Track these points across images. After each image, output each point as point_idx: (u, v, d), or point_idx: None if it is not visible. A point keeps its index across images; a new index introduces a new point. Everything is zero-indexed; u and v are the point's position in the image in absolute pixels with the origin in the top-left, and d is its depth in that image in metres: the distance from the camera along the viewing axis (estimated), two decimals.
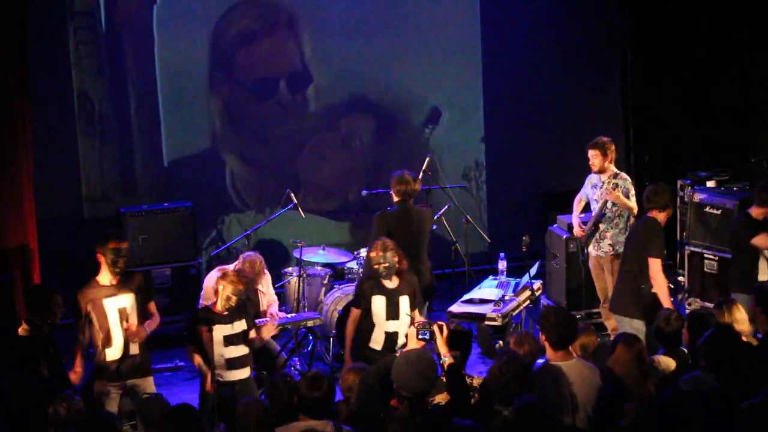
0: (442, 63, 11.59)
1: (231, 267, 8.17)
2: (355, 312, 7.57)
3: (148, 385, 6.95)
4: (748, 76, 11.36)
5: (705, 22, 11.42)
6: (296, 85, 11.11)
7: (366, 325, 7.47)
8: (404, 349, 5.92)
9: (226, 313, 7.01)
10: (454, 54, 11.65)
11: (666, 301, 7.60)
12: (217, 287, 7.13)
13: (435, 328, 5.83)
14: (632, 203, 8.97)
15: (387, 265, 7.35)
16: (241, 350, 7.06)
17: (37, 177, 9.23)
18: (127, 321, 6.84)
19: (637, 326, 7.63)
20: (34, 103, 9.32)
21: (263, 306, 8.28)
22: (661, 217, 7.85)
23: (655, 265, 7.74)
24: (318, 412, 5.39)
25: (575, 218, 9.45)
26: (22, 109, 8.96)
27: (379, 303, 7.41)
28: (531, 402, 5.09)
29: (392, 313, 7.40)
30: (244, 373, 7.08)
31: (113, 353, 6.84)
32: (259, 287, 8.30)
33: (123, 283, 6.88)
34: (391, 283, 7.44)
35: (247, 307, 7.24)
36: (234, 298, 6.99)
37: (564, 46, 11.92)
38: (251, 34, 10.97)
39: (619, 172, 9.14)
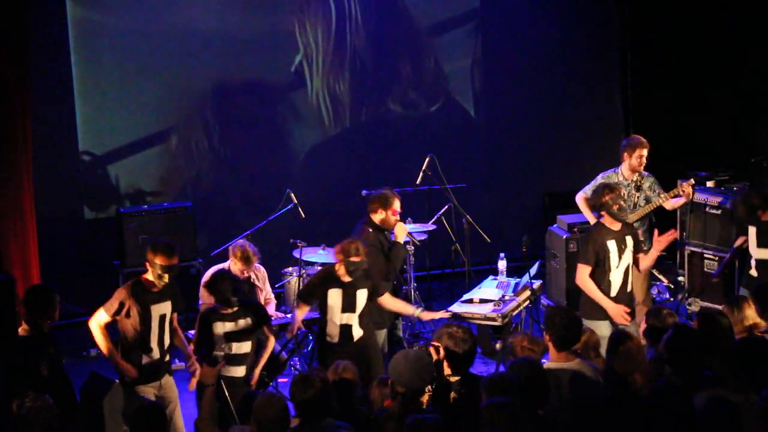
0: (443, 62, 11.61)
1: (225, 265, 8.18)
2: (304, 307, 7.59)
3: (170, 383, 7.01)
4: (748, 76, 11.35)
5: (705, 22, 11.41)
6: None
7: (321, 322, 7.50)
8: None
9: (230, 311, 7.00)
10: (455, 53, 11.66)
11: (604, 303, 7.44)
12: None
13: (431, 350, 5.72)
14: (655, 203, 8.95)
15: (363, 267, 7.37)
16: (243, 348, 7.04)
17: (37, 177, 9.23)
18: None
19: (603, 331, 7.20)
20: (34, 104, 9.32)
21: (260, 302, 8.23)
22: (607, 219, 7.59)
23: (580, 272, 7.55)
24: (314, 413, 5.25)
25: None
26: (22, 109, 8.96)
27: (335, 297, 7.40)
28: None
29: (348, 305, 7.40)
30: (243, 370, 7.06)
31: (147, 359, 6.86)
32: (255, 281, 8.27)
33: (166, 289, 6.89)
34: (349, 277, 7.40)
35: (256, 306, 7.26)
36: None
37: (564, 46, 11.92)
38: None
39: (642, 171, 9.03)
